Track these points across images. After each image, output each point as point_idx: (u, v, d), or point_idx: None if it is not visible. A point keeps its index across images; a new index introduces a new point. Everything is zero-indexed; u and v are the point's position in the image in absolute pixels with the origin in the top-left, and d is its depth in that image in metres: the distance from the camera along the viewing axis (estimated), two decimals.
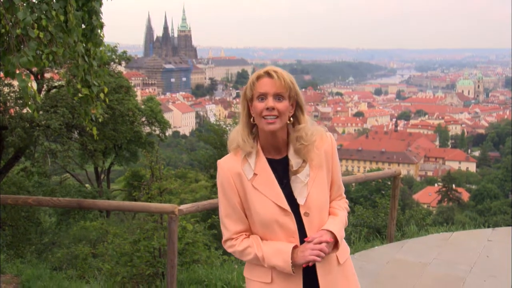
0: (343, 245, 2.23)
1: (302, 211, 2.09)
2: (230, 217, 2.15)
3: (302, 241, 2.08)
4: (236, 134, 2.14)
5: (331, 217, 2.18)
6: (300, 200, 2.09)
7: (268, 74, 2.06)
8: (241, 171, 2.11)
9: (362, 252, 5.62)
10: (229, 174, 2.12)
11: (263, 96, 2.05)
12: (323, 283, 2.12)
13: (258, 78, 2.08)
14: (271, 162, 2.12)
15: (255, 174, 2.10)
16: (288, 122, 2.09)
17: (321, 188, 2.13)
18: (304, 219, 2.09)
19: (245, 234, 2.16)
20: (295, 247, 2.06)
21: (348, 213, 2.31)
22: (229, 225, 2.16)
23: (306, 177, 2.10)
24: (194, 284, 4.83)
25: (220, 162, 2.16)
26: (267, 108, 2.02)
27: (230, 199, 2.14)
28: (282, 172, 2.12)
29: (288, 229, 2.08)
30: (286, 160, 2.13)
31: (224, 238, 2.20)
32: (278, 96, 2.04)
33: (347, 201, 2.30)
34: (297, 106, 2.12)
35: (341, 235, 2.14)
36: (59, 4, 3.83)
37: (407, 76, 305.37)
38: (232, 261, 5.87)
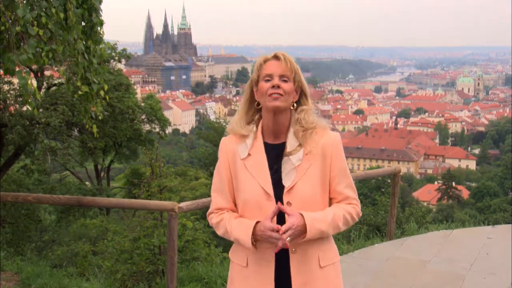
0: (328, 249, 2.18)
1: (285, 199, 2.09)
2: (218, 192, 2.23)
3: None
4: (233, 122, 2.22)
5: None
6: (286, 182, 2.09)
7: (275, 57, 2.14)
8: (236, 149, 2.17)
9: (362, 249, 5.63)
10: (225, 150, 2.21)
11: (269, 77, 2.12)
12: (296, 281, 2.12)
13: (266, 61, 2.15)
14: (267, 146, 2.16)
15: (249, 155, 2.15)
16: (292, 108, 2.15)
17: (310, 180, 2.10)
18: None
19: (226, 211, 2.22)
20: (258, 223, 2.06)
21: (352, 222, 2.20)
22: (215, 199, 2.24)
23: (298, 161, 2.11)
24: (194, 282, 4.84)
25: (223, 139, 2.26)
26: (273, 86, 2.09)
27: (222, 175, 2.21)
28: (275, 157, 2.14)
29: (267, 214, 2.07)
30: (282, 146, 2.15)
31: (209, 210, 2.28)
32: (283, 77, 2.11)
33: (356, 209, 2.19)
34: (302, 93, 2.18)
35: (316, 227, 2.04)
36: (59, 1, 3.82)
37: (407, 74, 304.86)
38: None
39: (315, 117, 2.17)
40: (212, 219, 2.23)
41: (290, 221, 2.01)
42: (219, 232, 2.20)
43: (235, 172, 2.18)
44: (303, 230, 2.03)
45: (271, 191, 2.10)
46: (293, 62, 2.12)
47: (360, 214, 2.22)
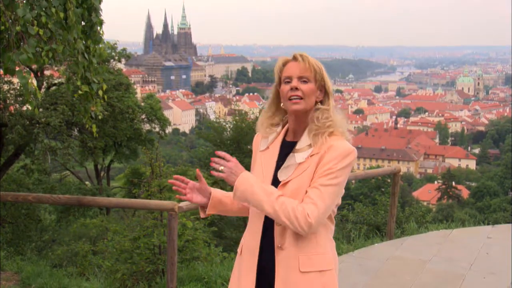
0: (315, 254, 2.08)
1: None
2: None
3: (266, 221, 2.12)
4: (258, 123, 2.25)
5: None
6: (281, 176, 2.10)
7: (294, 58, 2.13)
8: (259, 143, 2.25)
9: (362, 249, 5.63)
10: (254, 144, 2.30)
11: (288, 79, 2.11)
12: (279, 280, 2.10)
13: (285, 63, 2.15)
14: (284, 143, 2.19)
15: (267, 148, 2.20)
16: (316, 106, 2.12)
17: (306, 180, 2.05)
18: None
19: None
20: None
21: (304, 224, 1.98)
22: None
23: (301, 159, 2.08)
24: (194, 281, 4.84)
25: (256, 134, 2.32)
26: (291, 89, 2.08)
27: (252, 162, 2.29)
28: (285, 155, 2.15)
29: None
30: (296, 144, 2.15)
31: None
32: (302, 79, 2.09)
33: (303, 210, 1.97)
34: (326, 93, 2.15)
35: (250, 182, 2.02)
36: (58, 1, 3.82)
37: (407, 74, 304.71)
38: (232, 259, 5.88)
39: (336, 119, 2.10)
40: None
41: (232, 162, 2.07)
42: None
43: (254, 162, 2.27)
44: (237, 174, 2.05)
45: (269, 182, 2.13)
46: (312, 62, 2.10)
47: (310, 220, 1.96)
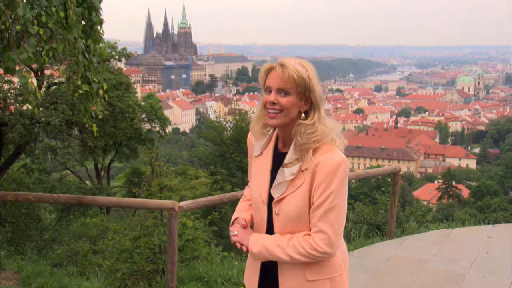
0: (321, 263, 2.06)
1: (274, 209, 2.09)
2: (249, 182, 2.30)
3: (268, 232, 2.13)
4: (252, 121, 2.20)
5: (278, 235, 2.07)
6: (274, 193, 2.07)
7: (276, 66, 2.00)
8: (253, 142, 2.23)
9: (362, 248, 5.63)
10: (250, 144, 2.27)
11: (269, 89, 2.02)
12: (283, 282, 2.12)
13: (268, 70, 2.04)
14: (276, 151, 2.15)
15: (261, 153, 2.18)
16: (302, 117, 2.01)
17: (298, 197, 2.01)
18: (274, 217, 2.09)
19: (247, 199, 2.35)
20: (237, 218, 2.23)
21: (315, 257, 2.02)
22: (245, 189, 2.43)
23: (291, 175, 2.01)
24: (194, 281, 4.84)
25: (250, 133, 2.28)
26: (269, 102, 2.00)
27: (249, 163, 2.30)
28: (277, 165, 2.11)
29: (260, 215, 2.15)
30: (285, 156, 2.11)
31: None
32: (282, 91, 1.98)
33: (313, 244, 1.98)
34: (312, 104, 2.01)
35: (260, 241, 2.07)
36: (59, 0, 3.82)
37: (407, 73, 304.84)
38: (232, 258, 5.88)
39: (323, 130, 1.99)
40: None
41: (245, 236, 2.13)
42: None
43: (251, 165, 2.26)
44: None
45: (265, 196, 2.12)
46: (292, 73, 1.95)
47: (321, 249, 1.98)
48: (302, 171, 2.00)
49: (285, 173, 2.02)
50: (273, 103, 1.99)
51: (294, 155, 2.02)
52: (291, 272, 2.08)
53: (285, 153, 2.07)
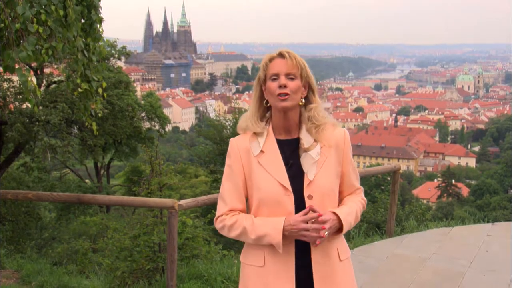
0: (344, 243, 2.22)
1: (306, 193, 2.10)
2: (231, 194, 2.18)
3: None
4: (245, 119, 2.20)
5: (341, 205, 2.20)
6: (310, 176, 2.10)
7: (280, 55, 2.13)
8: (249, 147, 2.16)
9: (362, 247, 5.63)
10: (237, 150, 2.18)
11: (275, 76, 2.12)
12: (317, 275, 2.11)
13: (271, 59, 2.15)
14: (280, 142, 2.17)
15: (262, 151, 2.15)
16: (300, 103, 2.15)
17: (327, 173, 2.14)
18: (307, 201, 2.09)
19: (238, 212, 2.17)
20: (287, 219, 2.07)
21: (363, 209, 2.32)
22: (228, 200, 2.18)
23: (317, 155, 2.13)
24: (194, 279, 4.84)
25: (232, 139, 2.23)
26: (280, 86, 2.09)
27: (235, 175, 2.17)
28: (290, 152, 2.15)
29: (285, 210, 2.08)
30: (295, 141, 2.16)
31: (218, 213, 2.20)
32: (290, 76, 2.11)
33: (364, 198, 2.30)
34: (309, 88, 2.18)
35: (348, 220, 2.12)
36: None
37: (407, 71, 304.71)
38: (232, 256, 5.88)
39: (325, 113, 2.19)
40: (224, 221, 2.16)
41: (327, 214, 2.06)
42: (233, 234, 2.14)
43: (249, 170, 2.16)
44: (337, 225, 2.10)
45: (288, 185, 2.09)
46: (298, 59, 2.12)
47: (365, 200, 2.34)
48: (321, 148, 2.15)
49: (311, 155, 2.13)
50: (284, 86, 2.09)
51: (309, 138, 2.15)
52: (325, 255, 2.12)
53: (292, 140, 2.16)
